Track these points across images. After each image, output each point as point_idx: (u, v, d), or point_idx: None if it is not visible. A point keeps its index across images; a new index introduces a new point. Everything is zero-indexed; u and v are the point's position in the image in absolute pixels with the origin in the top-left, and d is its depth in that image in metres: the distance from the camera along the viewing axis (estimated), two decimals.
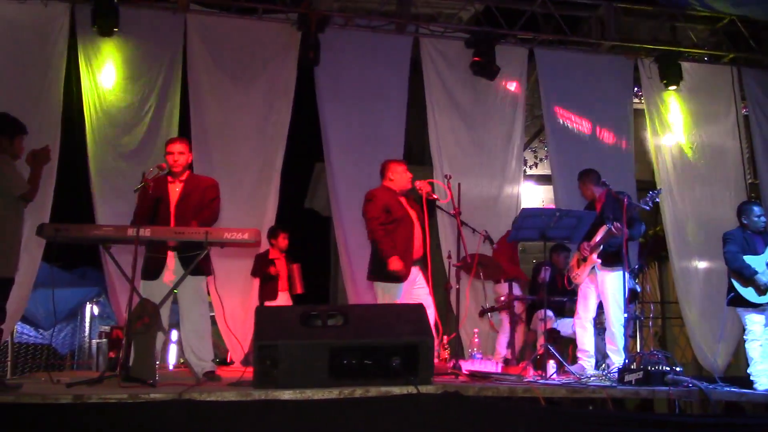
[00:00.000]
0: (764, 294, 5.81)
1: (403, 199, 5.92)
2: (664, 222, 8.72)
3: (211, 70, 7.90)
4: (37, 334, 10.72)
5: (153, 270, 5.21)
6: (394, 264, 5.53)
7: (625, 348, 5.91)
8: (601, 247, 6.03)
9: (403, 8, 8.36)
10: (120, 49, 7.63)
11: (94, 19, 7.29)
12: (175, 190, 5.41)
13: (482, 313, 7.38)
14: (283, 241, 7.72)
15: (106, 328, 9.35)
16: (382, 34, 8.43)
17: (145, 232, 4.83)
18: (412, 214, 5.85)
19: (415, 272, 5.78)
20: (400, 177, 5.94)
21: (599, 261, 6.04)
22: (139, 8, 7.70)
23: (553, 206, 8.36)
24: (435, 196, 5.92)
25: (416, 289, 5.79)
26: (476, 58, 8.25)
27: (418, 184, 5.85)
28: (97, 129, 7.45)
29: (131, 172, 7.02)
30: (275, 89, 8.03)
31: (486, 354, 6.97)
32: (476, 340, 6.92)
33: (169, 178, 5.44)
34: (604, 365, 6.42)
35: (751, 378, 5.88)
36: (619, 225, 5.82)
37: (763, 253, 5.95)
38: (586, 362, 6.10)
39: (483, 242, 6.92)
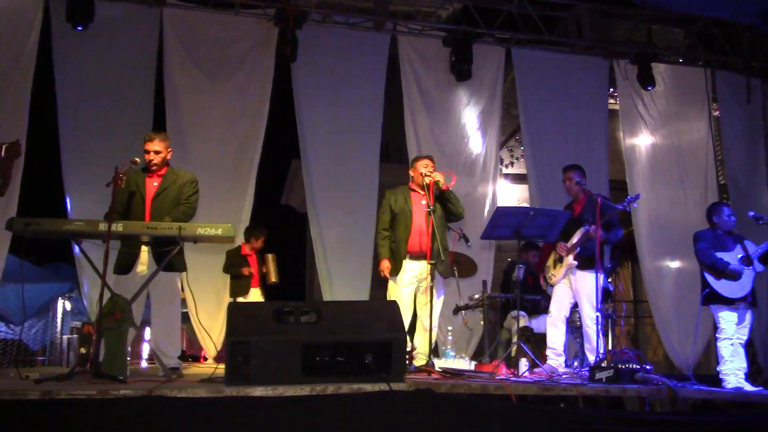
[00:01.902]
0: (738, 278, 5.89)
1: (417, 194, 5.97)
2: (635, 222, 8.80)
3: (188, 65, 7.84)
4: (7, 329, 10.59)
5: (125, 264, 5.17)
6: (382, 266, 5.96)
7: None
8: (578, 249, 6.09)
9: (381, 5, 8.34)
10: (94, 43, 7.53)
11: (69, 11, 7.18)
12: (152, 184, 5.37)
13: (456, 310, 7.41)
14: (261, 243, 7.71)
15: (78, 324, 9.24)
16: (360, 31, 8.42)
17: (118, 227, 4.79)
18: (417, 209, 5.87)
19: (420, 267, 5.81)
20: (416, 173, 6.02)
21: (576, 263, 6.09)
22: (114, 2, 7.59)
23: (528, 205, 8.41)
24: (445, 187, 5.89)
25: (422, 285, 5.83)
26: (453, 57, 8.27)
27: (425, 181, 5.83)
28: (69, 123, 7.37)
29: (104, 166, 6.94)
30: (252, 85, 8.00)
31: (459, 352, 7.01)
32: (450, 337, 6.94)
33: (148, 173, 5.40)
34: (575, 363, 6.47)
35: (721, 376, 5.97)
36: (595, 228, 5.90)
37: (733, 250, 6.06)
38: (555, 360, 6.15)
39: (458, 240, 6.93)
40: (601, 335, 5.89)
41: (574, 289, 6.17)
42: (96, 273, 4.88)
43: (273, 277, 7.66)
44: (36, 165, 7.25)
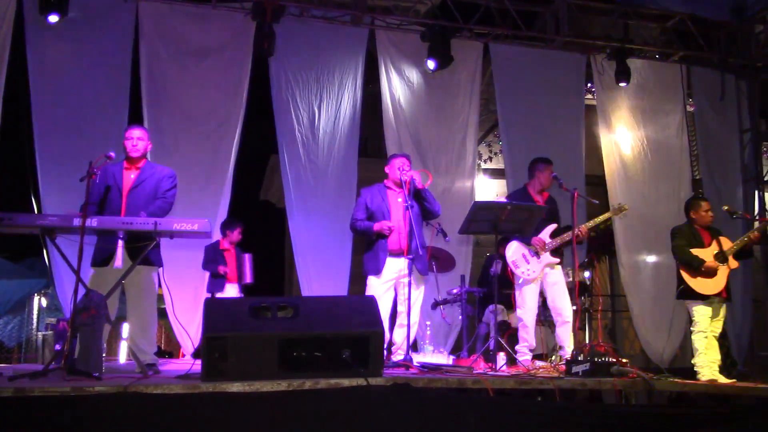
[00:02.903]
0: (714, 276, 5.96)
1: (393, 192, 5.94)
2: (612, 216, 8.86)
3: (164, 59, 7.78)
4: None
5: (102, 259, 5.13)
6: (378, 226, 5.74)
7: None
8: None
9: (360, 0, 8.33)
10: (69, 36, 7.44)
11: (42, 4, 7.09)
12: (129, 177, 5.31)
13: (435, 305, 7.42)
14: (237, 235, 7.65)
15: (54, 321, 9.15)
16: (338, 25, 8.40)
17: (92, 222, 4.74)
18: (394, 206, 5.85)
19: (399, 264, 5.78)
20: (392, 170, 5.97)
21: (557, 260, 6.14)
22: None
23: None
24: (420, 186, 5.87)
25: (402, 281, 5.79)
26: (431, 52, 8.28)
27: (404, 177, 5.80)
28: (43, 117, 7.27)
29: (79, 161, 6.85)
30: (229, 79, 7.95)
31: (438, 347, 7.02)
32: (428, 332, 6.96)
33: (125, 164, 5.35)
34: (554, 357, 6.51)
35: (695, 369, 6.03)
36: (585, 230, 6.07)
37: (709, 246, 6.11)
38: (529, 355, 6.18)
39: (436, 235, 6.95)
40: (577, 329, 5.96)
41: (552, 283, 6.20)
42: (71, 269, 4.83)
43: (248, 278, 7.62)
44: (9, 160, 7.16)
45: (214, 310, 4.45)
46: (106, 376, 4.47)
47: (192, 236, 5.05)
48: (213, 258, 7.44)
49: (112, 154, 5.09)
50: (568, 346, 6.08)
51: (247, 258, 7.64)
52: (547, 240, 6.15)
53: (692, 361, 6.12)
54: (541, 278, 6.19)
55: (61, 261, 6.72)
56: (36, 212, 7.03)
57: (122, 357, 7.83)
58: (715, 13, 9.10)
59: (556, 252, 6.14)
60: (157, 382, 4.17)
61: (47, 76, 7.37)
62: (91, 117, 7.39)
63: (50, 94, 7.36)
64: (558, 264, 6.19)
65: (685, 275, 6.09)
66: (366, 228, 5.85)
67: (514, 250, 6.17)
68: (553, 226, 6.18)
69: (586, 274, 7.33)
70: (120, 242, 5.11)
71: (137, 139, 5.35)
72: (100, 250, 5.17)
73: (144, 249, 4.92)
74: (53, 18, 7.14)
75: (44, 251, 7.06)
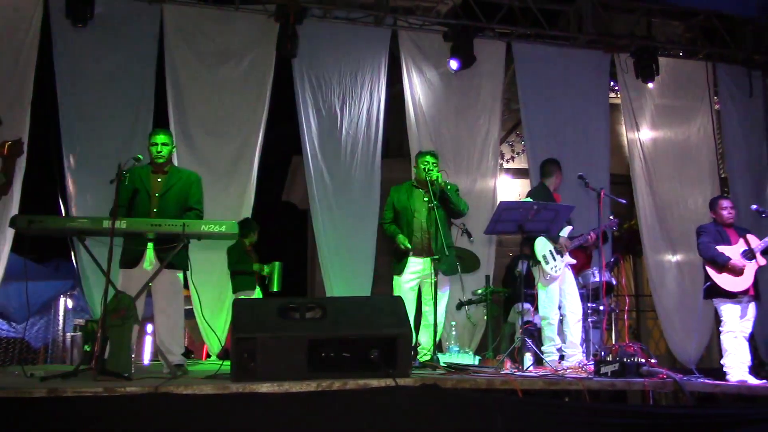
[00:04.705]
0: (741, 275, 5.90)
1: (419, 191, 5.97)
2: (638, 216, 8.81)
3: (188, 62, 7.82)
4: (9, 327, 10.56)
5: (131, 259, 5.18)
6: (400, 240, 5.85)
7: (598, 341, 6.01)
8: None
9: (382, 1, 8.32)
10: (94, 39, 7.49)
11: (68, 7, 7.16)
12: (157, 181, 5.37)
13: (460, 305, 7.40)
14: (256, 236, 7.65)
15: (81, 322, 9.21)
16: (361, 26, 8.40)
17: (121, 224, 4.78)
18: (419, 205, 5.85)
19: (424, 263, 5.78)
20: (419, 169, 6.00)
21: (575, 261, 6.16)
22: None
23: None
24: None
25: (426, 281, 5.80)
26: (454, 52, 8.26)
27: (428, 177, 5.80)
28: (70, 120, 7.34)
29: (106, 163, 6.93)
30: (252, 81, 7.97)
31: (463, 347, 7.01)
32: (454, 332, 6.94)
33: (153, 169, 5.40)
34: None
35: (725, 369, 5.98)
36: (594, 236, 6.16)
37: (736, 244, 6.06)
38: (556, 354, 6.16)
39: (461, 235, 6.93)
40: (603, 329, 5.95)
41: (568, 282, 6.21)
42: (100, 270, 4.88)
43: (275, 286, 7.61)
44: (37, 161, 7.22)
45: (243, 310, 4.48)
46: (135, 376, 4.51)
47: (219, 238, 5.08)
48: (241, 258, 7.44)
49: (141, 156, 5.15)
50: (571, 348, 6.11)
51: (278, 266, 7.60)
52: (568, 241, 6.16)
53: (721, 362, 6.07)
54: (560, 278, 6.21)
55: (89, 262, 6.80)
56: (63, 214, 7.10)
57: (146, 357, 7.87)
58: (741, 10, 8.99)
59: (582, 253, 6.14)
60: (187, 382, 4.21)
61: (73, 78, 7.43)
62: (118, 119, 7.45)
63: (76, 96, 7.41)
64: (573, 265, 6.24)
65: (710, 272, 6.05)
66: (392, 234, 5.98)
67: (542, 246, 6.16)
68: (570, 228, 6.20)
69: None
70: (149, 244, 5.16)
71: (162, 145, 5.39)
72: (129, 251, 5.22)
73: (172, 251, 4.96)
74: (79, 24, 7.22)
75: (72, 253, 7.12)
